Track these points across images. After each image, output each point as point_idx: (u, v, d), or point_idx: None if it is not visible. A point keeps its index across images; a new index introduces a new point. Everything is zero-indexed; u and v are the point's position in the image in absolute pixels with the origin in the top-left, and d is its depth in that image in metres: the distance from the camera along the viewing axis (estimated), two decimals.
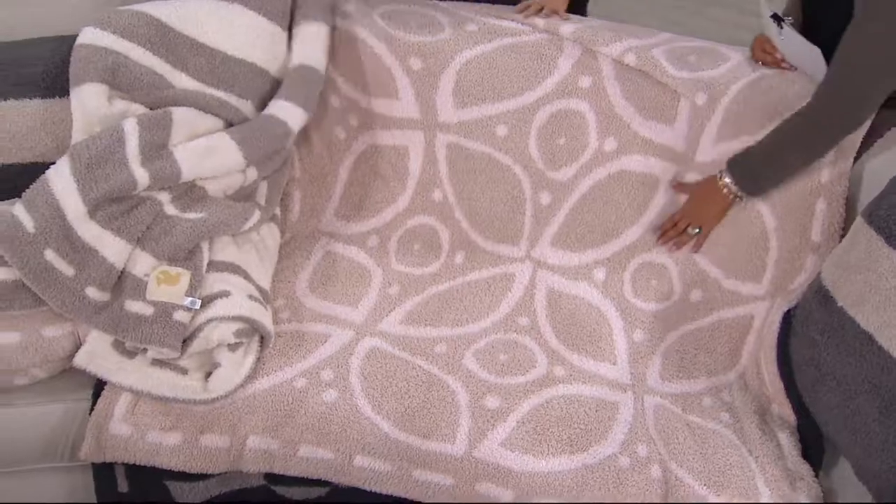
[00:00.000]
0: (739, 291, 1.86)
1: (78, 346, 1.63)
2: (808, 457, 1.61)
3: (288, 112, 1.78)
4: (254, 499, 1.69)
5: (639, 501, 1.53)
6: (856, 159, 1.74)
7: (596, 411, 1.66)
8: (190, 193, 1.70)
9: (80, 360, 1.59)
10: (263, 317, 1.63)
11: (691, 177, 1.90)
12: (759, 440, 1.63)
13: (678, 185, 1.94)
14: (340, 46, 1.94)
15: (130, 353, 1.61)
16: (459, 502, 1.58)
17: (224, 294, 1.62)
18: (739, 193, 1.81)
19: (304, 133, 1.93)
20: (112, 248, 1.58)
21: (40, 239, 1.53)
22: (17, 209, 1.55)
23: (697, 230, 1.89)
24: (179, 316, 1.58)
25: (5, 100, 1.63)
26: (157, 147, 1.62)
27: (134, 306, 1.59)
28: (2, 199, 1.63)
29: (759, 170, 1.78)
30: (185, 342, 1.59)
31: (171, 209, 1.66)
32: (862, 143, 1.73)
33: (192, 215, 1.66)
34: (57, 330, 1.61)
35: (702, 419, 1.69)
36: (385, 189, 2.04)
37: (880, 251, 1.41)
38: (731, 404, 1.74)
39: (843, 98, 1.66)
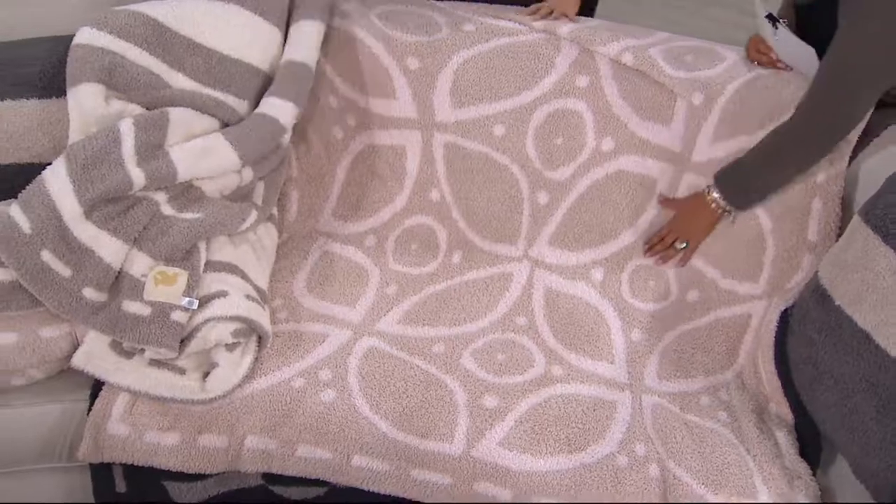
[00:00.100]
0: (736, 291, 1.86)
1: (75, 346, 1.63)
2: (806, 455, 1.61)
3: (278, 108, 1.78)
4: (252, 499, 1.68)
5: (637, 500, 1.53)
6: (851, 159, 1.75)
7: (594, 410, 1.66)
8: (187, 194, 1.70)
9: (77, 360, 1.59)
10: (261, 317, 1.63)
11: (688, 177, 1.90)
12: (756, 439, 1.63)
13: (665, 201, 1.95)
14: (338, 47, 1.94)
15: (128, 354, 1.61)
16: (458, 502, 1.58)
17: (222, 294, 1.62)
18: (728, 208, 1.82)
19: (302, 133, 1.93)
20: (109, 248, 1.58)
21: (37, 239, 1.53)
22: (14, 210, 1.55)
23: (685, 245, 1.89)
24: (177, 316, 1.58)
25: (2, 100, 1.63)
26: (153, 147, 1.62)
27: (131, 307, 1.58)
28: None
29: (747, 183, 1.78)
30: (183, 342, 1.58)
31: (167, 209, 1.65)
32: (858, 142, 1.73)
33: (188, 215, 1.66)
34: (54, 330, 1.61)
35: (699, 418, 1.69)
36: (382, 189, 2.04)
37: (877, 249, 1.41)
38: (729, 403, 1.74)
39: (828, 109, 1.67)
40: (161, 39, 1.71)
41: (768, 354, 1.71)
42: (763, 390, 1.74)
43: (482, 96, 1.94)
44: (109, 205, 1.58)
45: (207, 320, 1.57)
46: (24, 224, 1.53)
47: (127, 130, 1.59)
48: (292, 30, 1.86)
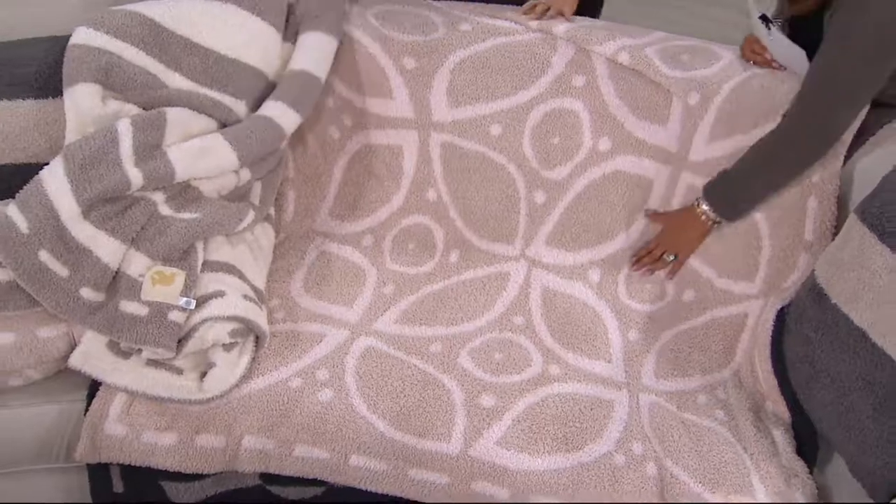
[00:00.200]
0: (732, 290, 1.87)
1: (73, 346, 1.63)
2: (803, 453, 1.62)
3: (282, 114, 1.78)
4: (249, 499, 1.68)
5: (634, 499, 1.53)
6: (847, 158, 1.75)
7: (591, 409, 1.66)
8: (184, 194, 1.70)
9: (74, 360, 1.59)
10: (258, 317, 1.63)
11: (686, 177, 1.90)
12: (753, 437, 1.63)
13: (654, 216, 1.95)
14: None
15: (125, 354, 1.61)
16: (455, 501, 1.58)
17: (219, 294, 1.62)
18: (718, 219, 1.83)
19: (299, 133, 1.93)
20: (106, 248, 1.58)
21: (34, 239, 1.53)
22: (11, 210, 1.54)
23: (673, 257, 1.90)
24: (174, 316, 1.58)
25: None
26: (150, 147, 1.62)
27: (129, 307, 1.58)
28: None
29: (735, 194, 1.79)
30: (180, 342, 1.58)
31: (165, 209, 1.65)
32: (853, 141, 1.74)
33: (186, 215, 1.66)
34: (51, 331, 1.61)
35: (697, 417, 1.69)
36: (379, 188, 2.04)
37: (873, 248, 1.41)
38: (726, 402, 1.75)
39: (813, 119, 1.68)
40: (158, 39, 1.71)
41: (765, 353, 1.71)
42: (760, 389, 1.74)
43: (479, 96, 1.94)
44: (107, 205, 1.58)
45: (205, 320, 1.57)
46: (22, 224, 1.53)
47: (125, 130, 1.59)
48: (303, 38, 1.85)
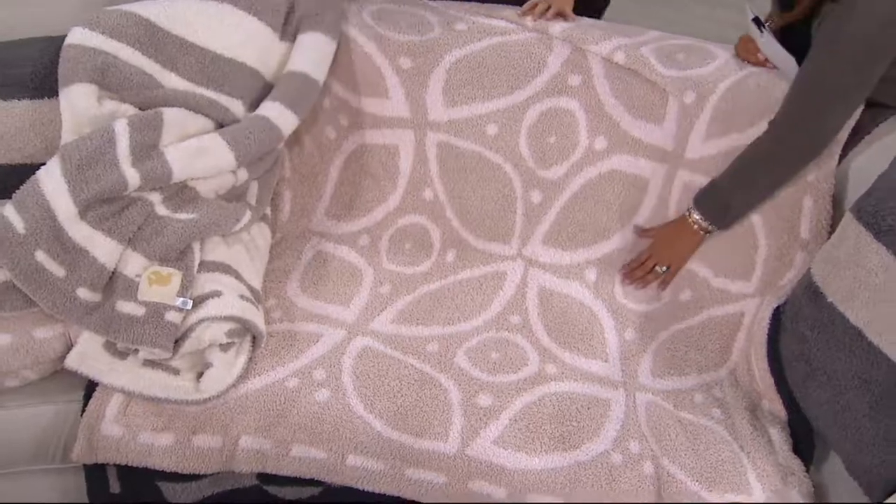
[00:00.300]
0: (728, 290, 1.87)
1: (69, 347, 1.63)
2: (799, 452, 1.62)
3: (279, 115, 1.77)
4: (246, 499, 1.68)
5: (631, 498, 1.53)
6: (842, 157, 1.76)
7: (588, 408, 1.66)
8: (181, 194, 1.69)
9: (71, 361, 1.59)
10: (255, 317, 1.63)
11: (682, 174, 1.90)
12: (750, 436, 1.64)
13: (643, 232, 1.95)
14: None
15: (122, 354, 1.61)
16: (453, 501, 1.58)
17: (215, 294, 1.61)
18: (710, 228, 1.83)
19: (295, 133, 1.92)
20: (103, 248, 1.58)
21: (31, 240, 1.52)
22: (8, 210, 1.54)
23: (665, 269, 1.90)
24: (171, 316, 1.57)
25: None
26: (147, 147, 1.61)
27: (125, 307, 1.58)
28: None
29: (726, 202, 1.79)
30: (177, 342, 1.58)
31: (162, 210, 1.65)
32: (848, 140, 1.74)
33: (183, 216, 1.65)
34: (48, 331, 1.60)
35: (693, 415, 1.70)
36: (376, 188, 2.04)
37: (869, 246, 1.42)
38: (723, 400, 1.75)
39: (801, 127, 1.69)
40: (153, 39, 1.71)
41: (761, 352, 1.72)
42: (756, 387, 1.75)
43: (475, 95, 1.94)
44: (104, 205, 1.58)
45: (201, 320, 1.57)
46: (19, 224, 1.52)
47: (122, 131, 1.59)
48: (302, 38, 1.85)
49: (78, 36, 1.64)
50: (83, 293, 1.57)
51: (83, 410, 1.59)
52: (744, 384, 1.78)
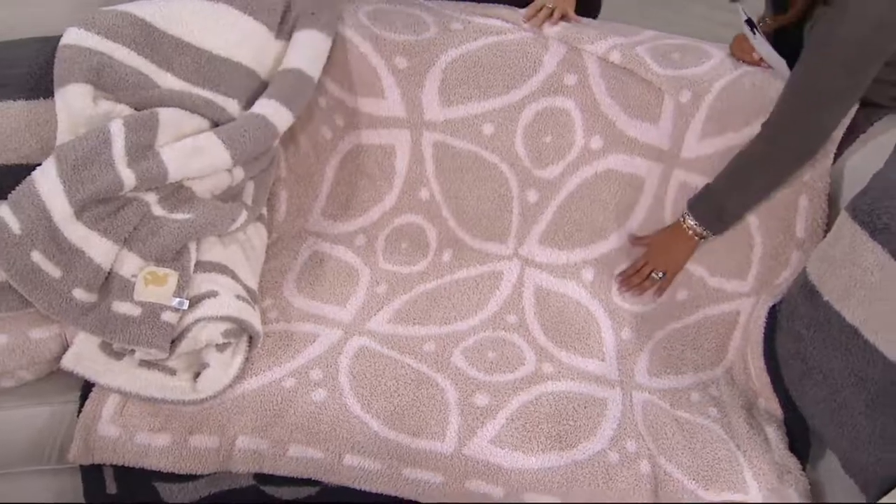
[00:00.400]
0: (724, 289, 1.88)
1: (65, 348, 1.62)
2: (796, 450, 1.63)
3: (275, 112, 1.77)
4: (243, 499, 1.68)
5: (628, 497, 1.54)
6: (837, 156, 1.76)
7: (584, 407, 1.66)
8: (177, 194, 1.69)
9: (67, 362, 1.58)
10: (252, 317, 1.63)
11: (678, 174, 1.90)
12: (746, 434, 1.64)
13: (637, 239, 1.95)
14: None
15: (118, 355, 1.61)
16: (450, 500, 1.58)
17: (212, 294, 1.61)
18: (705, 233, 1.83)
19: (291, 133, 1.93)
20: (99, 248, 1.57)
21: (26, 240, 1.52)
22: (3, 210, 1.53)
23: (661, 275, 1.90)
24: (167, 317, 1.57)
25: None
26: (143, 148, 1.61)
27: (121, 307, 1.58)
28: None
29: (720, 207, 1.80)
30: (174, 343, 1.58)
31: (158, 210, 1.65)
32: (843, 139, 1.75)
33: (179, 216, 1.65)
34: (44, 332, 1.60)
35: (690, 414, 1.70)
36: (372, 188, 2.04)
37: (864, 245, 1.42)
38: (719, 399, 1.75)
39: (793, 130, 1.70)
40: (149, 39, 1.71)
41: (757, 350, 1.72)
42: (752, 386, 1.75)
43: (471, 95, 1.94)
44: (100, 205, 1.58)
45: (198, 320, 1.57)
46: (14, 224, 1.52)
47: (117, 131, 1.59)
48: (297, 36, 1.86)
49: (73, 36, 1.64)
50: (79, 294, 1.57)
51: (79, 411, 1.59)
52: (740, 383, 1.79)
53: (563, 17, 1.95)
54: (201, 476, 1.64)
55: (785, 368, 1.64)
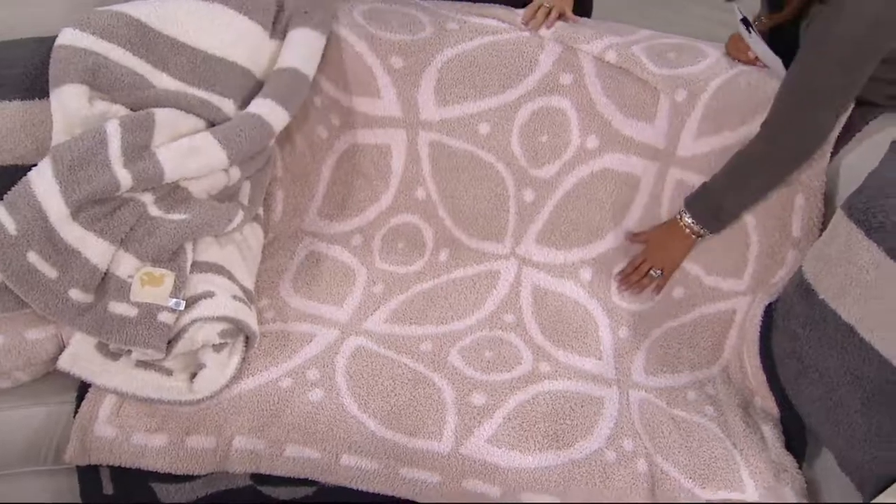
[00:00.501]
0: (720, 287, 1.88)
1: (61, 348, 1.62)
2: (792, 448, 1.63)
3: (270, 111, 1.77)
4: (240, 499, 1.68)
5: (625, 495, 1.54)
6: (833, 155, 1.76)
7: (581, 406, 1.66)
8: (173, 194, 1.69)
9: (63, 362, 1.58)
10: (248, 317, 1.63)
11: (674, 172, 1.91)
12: (743, 433, 1.64)
13: (634, 236, 1.95)
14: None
15: (115, 355, 1.61)
16: (447, 500, 1.58)
17: (208, 295, 1.61)
18: (702, 232, 1.83)
19: (287, 132, 1.93)
20: (95, 249, 1.57)
21: (22, 241, 1.52)
22: None
23: (659, 273, 1.90)
24: (164, 317, 1.57)
25: None
26: (139, 148, 1.61)
27: (118, 308, 1.58)
28: None
29: (718, 206, 1.80)
30: (170, 343, 1.58)
31: (154, 210, 1.65)
32: (839, 138, 1.75)
33: (175, 216, 1.65)
34: (40, 332, 1.60)
35: (686, 413, 1.70)
36: (368, 188, 2.04)
37: (860, 244, 1.42)
38: (715, 398, 1.76)
39: (791, 129, 1.70)
40: (144, 39, 1.71)
41: (753, 349, 1.72)
42: (749, 385, 1.75)
43: (466, 94, 1.94)
44: (96, 206, 1.58)
45: (194, 321, 1.57)
46: (10, 225, 1.52)
47: (113, 131, 1.58)
48: (291, 35, 1.85)
49: (68, 37, 1.64)
50: (75, 294, 1.57)
51: (76, 412, 1.59)
52: (736, 381, 1.79)
53: (561, 17, 1.95)
54: (198, 476, 1.64)
55: (781, 367, 1.64)
